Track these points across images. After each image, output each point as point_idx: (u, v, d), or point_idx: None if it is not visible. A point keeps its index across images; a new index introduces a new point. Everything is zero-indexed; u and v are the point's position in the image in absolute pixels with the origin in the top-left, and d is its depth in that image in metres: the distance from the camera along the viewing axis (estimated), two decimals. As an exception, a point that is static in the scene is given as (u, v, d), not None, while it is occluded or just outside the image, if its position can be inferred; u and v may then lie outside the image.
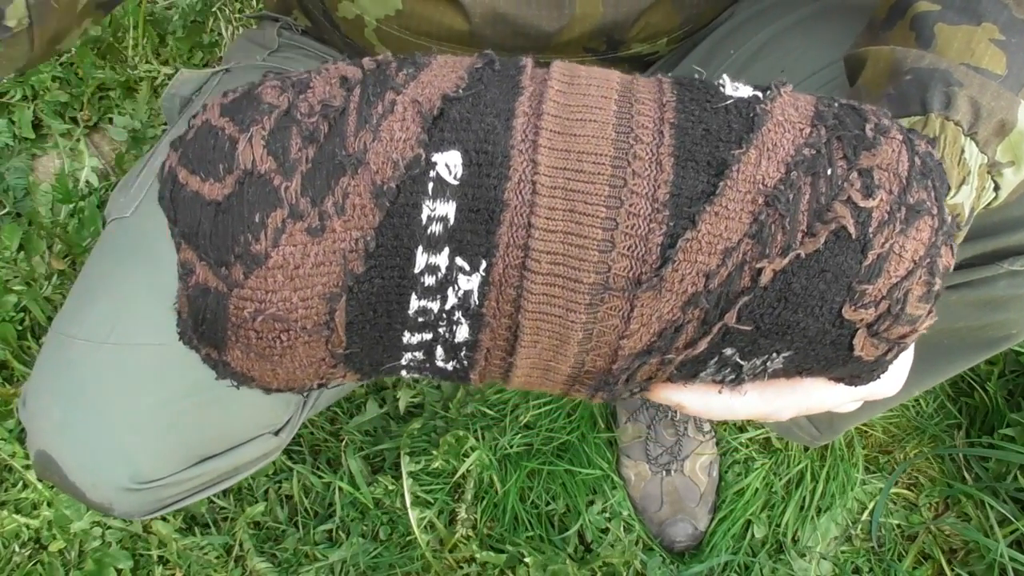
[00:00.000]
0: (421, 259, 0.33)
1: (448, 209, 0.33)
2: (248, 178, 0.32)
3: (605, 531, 1.12)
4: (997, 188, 0.44)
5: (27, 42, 0.47)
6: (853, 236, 0.33)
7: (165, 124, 1.15)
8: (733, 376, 0.37)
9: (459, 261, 0.33)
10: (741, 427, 1.19)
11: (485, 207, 0.33)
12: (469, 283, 0.34)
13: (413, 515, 1.10)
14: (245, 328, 0.34)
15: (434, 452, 1.12)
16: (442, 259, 0.33)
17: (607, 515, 1.13)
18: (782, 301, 0.33)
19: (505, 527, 1.11)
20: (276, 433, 0.71)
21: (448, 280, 0.34)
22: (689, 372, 0.37)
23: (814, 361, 0.36)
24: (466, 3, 0.62)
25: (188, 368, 0.61)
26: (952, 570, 1.10)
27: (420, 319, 0.35)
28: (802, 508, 1.14)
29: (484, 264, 0.33)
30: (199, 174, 0.33)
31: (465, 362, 0.37)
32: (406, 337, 0.36)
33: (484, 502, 1.12)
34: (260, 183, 0.32)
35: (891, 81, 0.45)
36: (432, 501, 1.11)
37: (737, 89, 0.36)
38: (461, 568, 1.09)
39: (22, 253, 1.21)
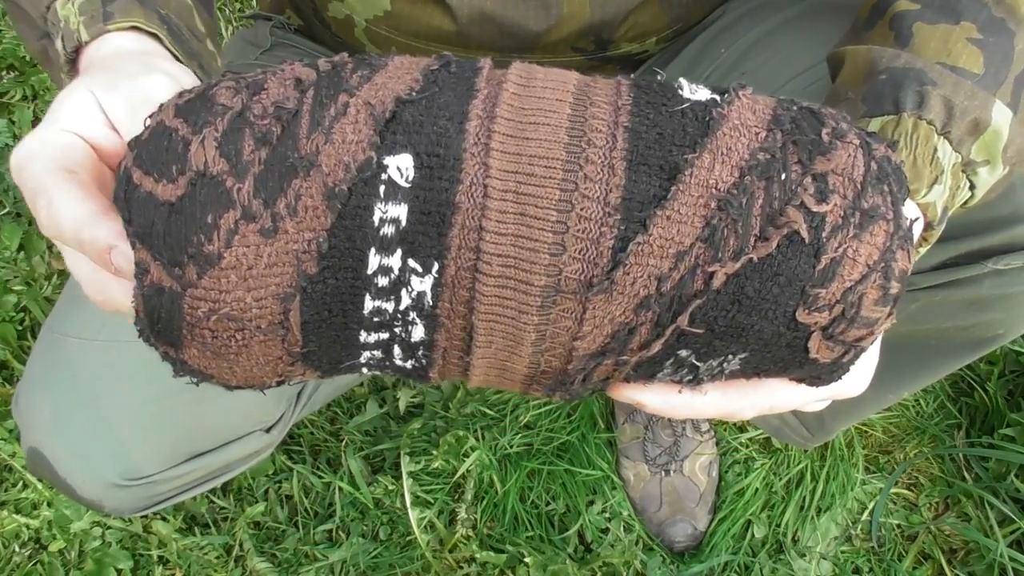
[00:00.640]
0: (374, 260, 0.34)
1: (400, 211, 0.33)
2: (200, 179, 0.32)
3: (605, 531, 1.12)
4: (973, 187, 0.44)
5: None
6: (806, 240, 0.33)
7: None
8: (691, 377, 0.37)
9: (411, 263, 0.34)
10: (741, 427, 1.19)
11: (436, 210, 0.33)
12: (422, 284, 0.34)
13: (413, 515, 1.10)
14: (200, 327, 0.34)
15: (434, 452, 1.12)
16: (395, 260, 0.34)
17: (607, 515, 1.13)
18: (735, 304, 0.34)
19: (505, 527, 1.11)
20: (268, 430, 0.71)
21: (401, 281, 0.34)
22: (646, 372, 0.37)
23: (771, 363, 0.37)
24: (453, 4, 0.63)
25: None
26: (952, 570, 1.09)
27: (376, 319, 0.35)
28: (802, 508, 1.14)
29: (436, 266, 0.34)
30: (153, 175, 0.33)
31: (423, 361, 0.38)
32: (363, 336, 0.36)
33: (484, 502, 1.12)
34: (212, 184, 0.32)
35: (867, 80, 0.45)
36: (432, 501, 1.11)
37: (695, 92, 0.36)
38: (461, 568, 1.09)
39: (22, 253, 1.21)
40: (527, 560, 1.07)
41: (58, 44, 0.46)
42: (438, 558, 1.09)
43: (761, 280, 0.33)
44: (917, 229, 0.43)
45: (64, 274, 1.21)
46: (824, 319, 0.34)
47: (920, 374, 0.69)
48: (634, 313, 0.34)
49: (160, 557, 1.09)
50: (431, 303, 0.35)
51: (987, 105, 0.43)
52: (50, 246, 1.23)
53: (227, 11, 1.41)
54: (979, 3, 0.45)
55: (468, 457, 1.13)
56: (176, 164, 0.33)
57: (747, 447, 1.17)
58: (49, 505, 1.09)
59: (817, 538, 1.12)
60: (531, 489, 1.14)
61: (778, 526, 1.13)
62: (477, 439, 1.14)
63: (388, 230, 0.33)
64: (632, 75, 0.76)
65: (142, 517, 1.09)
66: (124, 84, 0.40)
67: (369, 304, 0.35)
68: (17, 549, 1.08)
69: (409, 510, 1.10)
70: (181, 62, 0.46)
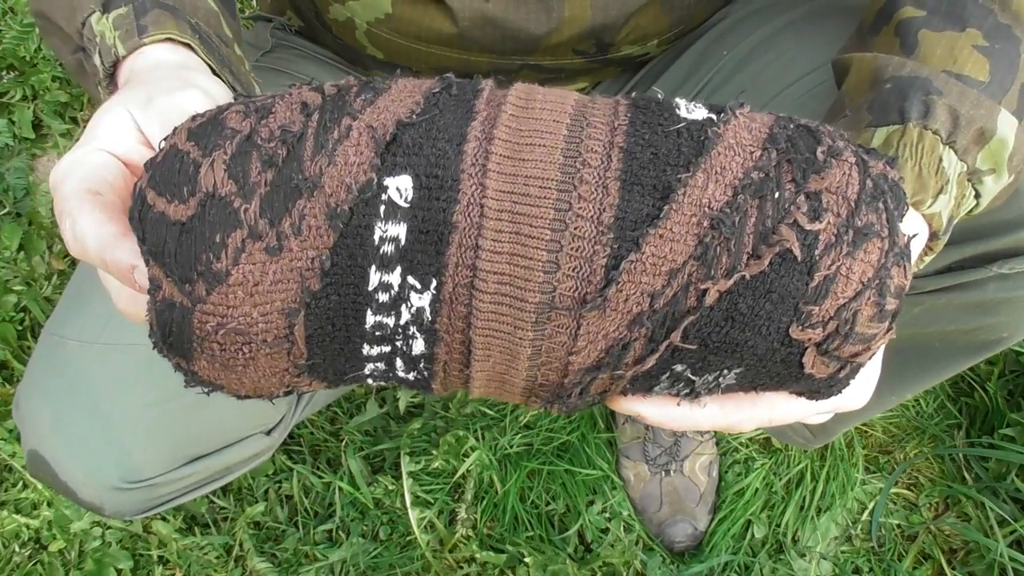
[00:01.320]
0: (375, 277, 0.35)
1: (399, 230, 0.34)
2: (210, 200, 0.34)
3: (605, 531, 1.12)
4: (978, 196, 0.44)
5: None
6: (799, 258, 0.33)
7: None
8: (688, 390, 0.38)
9: (411, 280, 0.35)
10: (741, 427, 1.19)
11: (434, 229, 0.34)
12: (421, 300, 0.35)
13: (413, 515, 1.10)
14: (208, 341, 0.35)
15: (434, 452, 1.12)
16: (395, 277, 0.35)
17: (607, 515, 1.13)
18: (729, 321, 0.34)
19: (505, 527, 1.11)
20: (268, 432, 0.71)
21: (401, 297, 0.35)
22: (643, 386, 0.38)
23: (766, 377, 0.37)
24: (455, 7, 0.63)
25: None
26: (952, 570, 1.09)
27: (377, 333, 0.36)
28: (802, 508, 1.14)
29: (435, 283, 0.35)
30: (165, 196, 0.35)
31: (425, 373, 0.39)
32: (366, 349, 0.37)
33: (484, 502, 1.12)
34: (221, 205, 0.34)
35: (872, 89, 0.45)
36: (432, 501, 1.11)
37: (692, 111, 0.37)
38: (461, 568, 1.09)
39: (22, 253, 1.21)
40: (527, 560, 1.07)
41: (95, 60, 0.47)
42: (438, 558, 1.09)
43: (754, 297, 0.34)
44: (919, 243, 0.43)
45: (64, 274, 1.21)
46: (818, 335, 0.35)
47: (923, 377, 0.69)
48: (628, 329, 0.35)
49: (160, 557, 1.09)
50: (430, 318, 0.36)
51: (993, 114, 0.43)
52: (50, 246, 1.23)
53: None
54: (985, 9, 0.45)
55: (468, 457, 1.13)
56: (187, 186, 0.34)
57: (747, 447, 1.17)
58: (49, 505, 1.09)
59: (817, 538, 1.12)
60: (531, 489, 1.14)
61: (778, 526, 1.13)
62: (477, 439, 1.15)
63: (388, 248, 0.34)
64: (634, 78, 0.76)
65: (142, 517, 1.09)
66: (159, 100, 0.41)
67: (371, 319, 0.36)
68: (17, 549, 1.08)
69: (409, 510, 1.10)
70: (214, 71, 0.47)
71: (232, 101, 0.38)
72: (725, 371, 0.36)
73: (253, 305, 0.34)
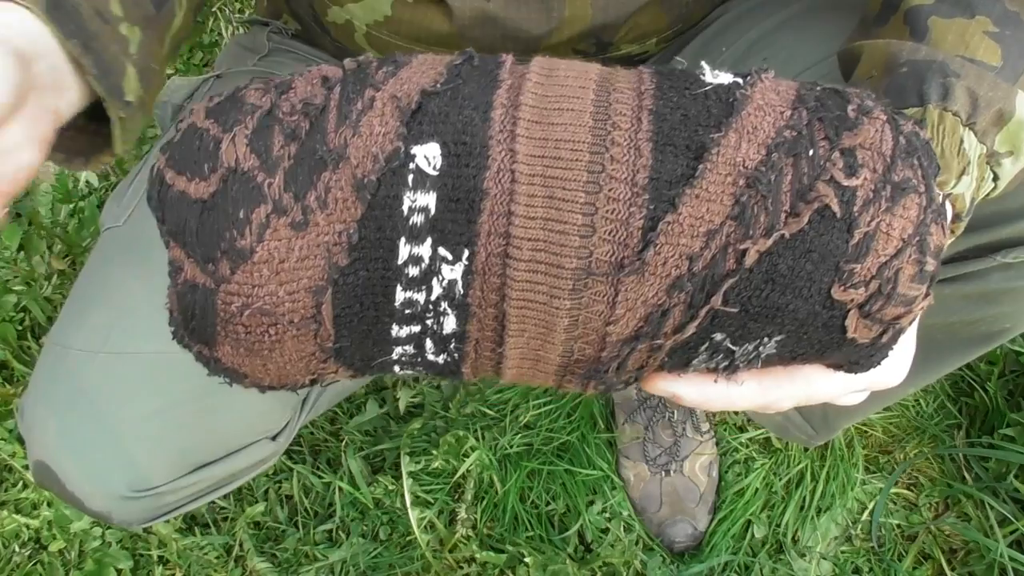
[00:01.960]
0: (404, 250, 0.34)
1: (429, 200, 0.33)
2: (232, 176, 0.33)
3: (605, 531, 1.12)
4: (996, 178, 0.44)
5: (142, 109, 0.49)
6: (838, 215, 0.33)
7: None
8: (726, 363, 0.37)
9: (442, 251, 0.34)
10: (741, 427, 1.19)
11: (465, 196, 0.33)
12: (453, 272, 0.34)
13: (413, 515, 1.10)
14: (233, 323, 0.34)
15: (434, 452, 1.12)
16: (425, 249, 0.34)
17: (607, 515, 1.13)
18: (769, 283, 0.33)
19: (505, 527, 1.11)
20: (273, 438, 0.71)
21: (432, 270, 0.34)
22: (681, 360, 0.37)
23: (807, 345, 0.36)
24: (454, 7, 0.62)
25: (184, 376, 0.61)
26: (952, 570, 1.10)
27: (407, 311, 0.35)
28: (802, 508, 1.14)
29: (467, 253, 0.34)
30: (185, 174, 0.34)
31: (456, 354, 0.38)
32: (395, 330, 0.36)
33: (484, 502, 1.12)
34: (244, 180, 0.33)
35: (887, 74, 0.45)
36: (432, 501, 1.11)
37: (717, 76, 0.36)
38: (461, 568, 1.09)
39: (22, 253, 1.21)
40: (527, 560, 1.07)
41: None
42: (438, 558, 1.09)
43: (794, 257, 0.33)
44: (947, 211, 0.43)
45: (64, 274, 1.21)
46: (860, 296, 0.34)
47: (927, 369, 0.68)
48: (667, 294, 0.34)
49: (160, 557, 1.09)
50: (462, 292, 0.35)
51: (1010, 96, 0.43)
52: (50, 246, 1.23)
53: (227, 11, 1.41)
54: None
55: (468, 457, 1.13)
56: (208, 162, 0.33)
57: (747, 447, 1.17)
58: (49, 505, 1.09)
59: (817, 538, 1.12)
60: (531, 489, 1.14)
61: (778, 526, 1.13)
62: (477, 439, 1.14)
63: (417, 219, 0.33)
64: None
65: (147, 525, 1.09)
66: None
67: (400, 295, 0.35)
68: (17, 549, 1.08)
69: (409, 510, 1.10)
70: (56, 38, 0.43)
71: (249, 81, 0.36)
72: (765, 339, 0.35)
73: (279, 283, 0.33)
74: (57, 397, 0.63)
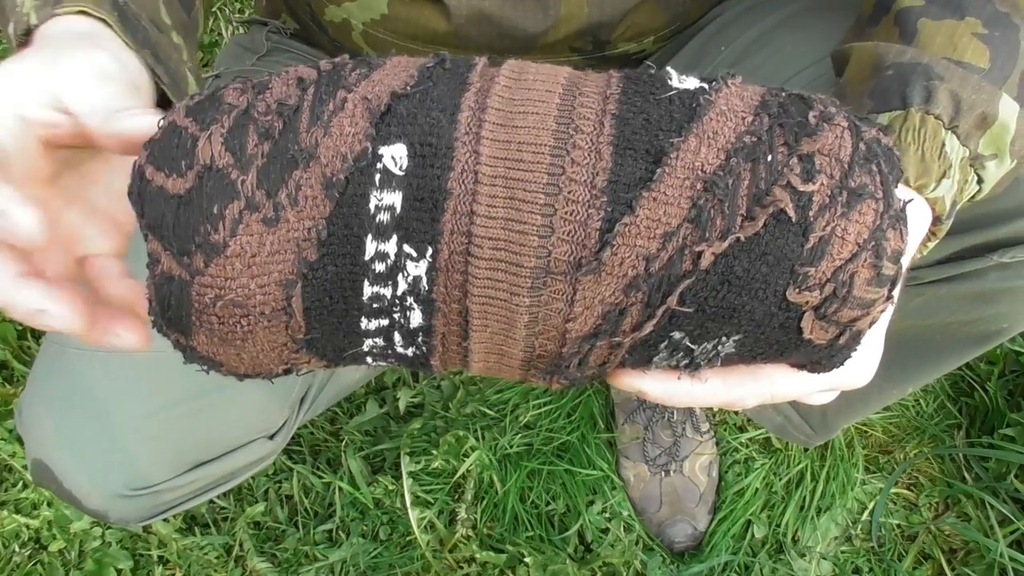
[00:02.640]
0: (371, 247, 0.35)
1: (395, 199, 0.34)
2: (207, 172, 0.34)
3: (605, 531, 1.12)
4: (981, 181, 0.44)
5: None
6: (793, 220, 0.33)
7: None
8: (687, 361, 0.38)
9: (407, 248, 0.35)
10: (741, 427, 1.19)
11: (429, 196, 0.34)
12: (417, 269, 0.35)
13: (413, 515, 1.10)
14: (207, 313, 0.36)
15: (434, 452, 1.12)
16: (390, 246, 0.35)
17: (607, 515, 1.13)
18: (725, 284, 0.34)
19: (505, 527, 1.11)
20: (271, 437, 0.71)
21: (398, 266, 0.35)
22: (642, 356, 0.38)
23: (766, 345, 0.37)
24: (451, 6, 0.63)
25: (181, 374, 0.61)
26: (952, 570, 1.10)
27: (375, 305, 0.37)
28: (802, 508, 1.14)
29: (430, 250, 0.35)
30: (164, 170, 0.35)
31: (424, 347, 0.39)
32: (364, 323, 0.37)
33: (484, 502, 1.12)
34: (218, 177, 0.34)
35: (873, 76, 0.45)
36: (432, 501, 1.11)
37: (683, 81, 0.37)
38: (461, 568, 1.09)
39: (22, 253, 1.21)
40: (527, 560, 1.07)
41: (10, 28, 0.46)
42: (438, 558, 1.09)
43: (750, 260, 0.34)
44: (923, 228, 0.43)
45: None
46: (815, 298, 0.35)
47: (924, 369, 0.69)
48: (624, 294, 0.35)
49: (160, 557, 1.09)
50: (427, 288, 0.36)
51: (994, 99, 0.43)
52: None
53: (227, 11, 1.41)
54: None
55: (468, 457, 1.13)
56: (185, 159, 0.35)
57: (747, 447, 1.17)
58: (49, 505, 1.09)
59: (817, 538, 1.12)
60: (531, 489, 1.14)
61: (778, 526, 1.13)
62: (477, 439, 1.15)
63: (384, 217, 0.35)
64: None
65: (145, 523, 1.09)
66: (65, 58, 0.40)
67: (368, 290, 0.36)
68: (17, 549, 1.08)
69: (409, 510, 1.10)
70: (132, 49, 0.45)
71: (230, 80, 0.38)
72: (724, 338, 0.36)
73: (251, 276, 0.35)
74: (55, 395, 0.63)
